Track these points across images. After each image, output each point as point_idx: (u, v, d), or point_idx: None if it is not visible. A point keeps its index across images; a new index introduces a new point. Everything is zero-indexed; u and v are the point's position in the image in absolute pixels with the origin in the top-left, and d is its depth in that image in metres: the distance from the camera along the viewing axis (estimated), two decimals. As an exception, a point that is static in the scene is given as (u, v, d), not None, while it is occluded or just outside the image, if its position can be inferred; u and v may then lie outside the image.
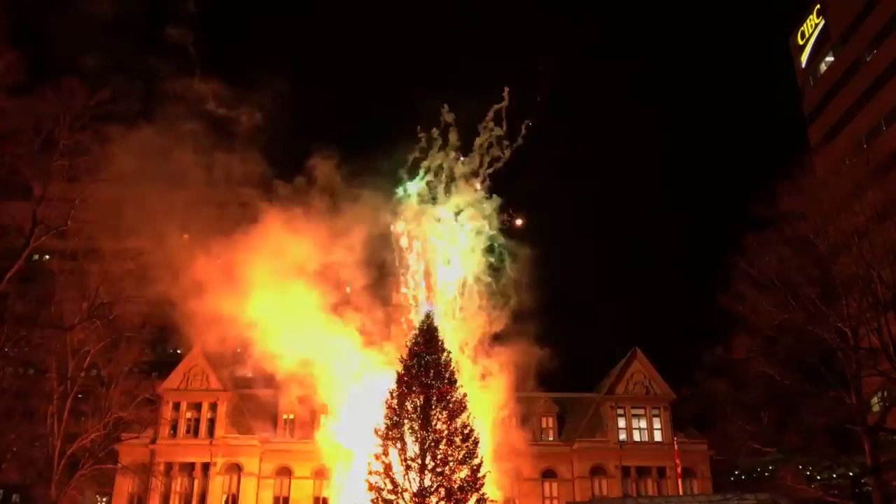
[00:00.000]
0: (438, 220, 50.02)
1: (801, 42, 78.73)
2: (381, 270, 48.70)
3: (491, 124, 51.68)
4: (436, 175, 50.94)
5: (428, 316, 36.89)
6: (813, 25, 76.54)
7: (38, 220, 31.97)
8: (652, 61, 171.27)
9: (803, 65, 78.11)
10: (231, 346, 49.72)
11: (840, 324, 35.27)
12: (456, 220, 50.31)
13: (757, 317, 36.91)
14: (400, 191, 50.49)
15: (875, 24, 65.49)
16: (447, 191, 50.76)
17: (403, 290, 48.06)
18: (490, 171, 51.55)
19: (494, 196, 51.34)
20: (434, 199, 50.59)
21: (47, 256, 47.24)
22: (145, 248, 36.98)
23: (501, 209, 50.98)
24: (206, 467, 51.29)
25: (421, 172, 50.90)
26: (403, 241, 49.46)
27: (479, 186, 51.08)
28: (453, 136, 51.21)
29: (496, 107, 51.77)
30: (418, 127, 51.56)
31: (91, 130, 31.90)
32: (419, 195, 50.73)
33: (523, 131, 52.43)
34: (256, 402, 54.62)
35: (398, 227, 49.86)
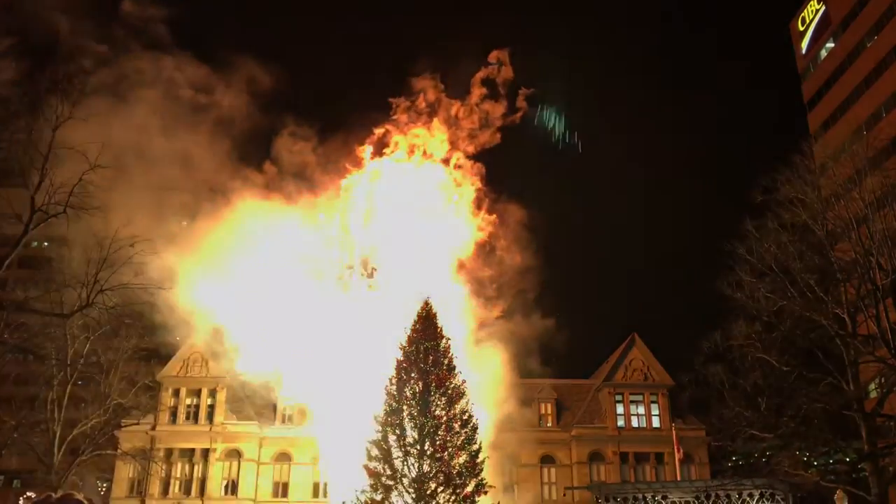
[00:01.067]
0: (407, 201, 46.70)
1: (801, 28, 78.35)
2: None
3: (480, 92, 47.89)
4: (411, 152, 47.65)
5: (426, 303, 36.79)
6: (813, 11, 76.16)
7: (35, 208, 31.90)
8: (650, 48, 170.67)
9: (803, 51, 77.76)
10: (230, 332, 49.71)
11: (838, 310, 35.35)
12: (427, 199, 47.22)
13: (755, 303, 37.00)
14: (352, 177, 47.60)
15: (876, 9, 65.17)
16: (420, 169, 47.51)
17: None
18: (476, 148, 48.27)
19: (480, 175, 48.23)
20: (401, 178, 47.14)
21: (46, 244, 47.22)
22: (144, 234, 36.86)
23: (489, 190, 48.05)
24: (205, 453, 51.49)
25: (390, 149, 47.65)
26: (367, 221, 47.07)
27: (461, 164, 47.77)
28: (440, 106, 47.60)
29: (485, 72, 47.78)
30: (391, 102, 47.55)
31: (87, 116, 31.74)
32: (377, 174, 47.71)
33: (522, 105, 49.53)
34: (256, 388, 54.73)
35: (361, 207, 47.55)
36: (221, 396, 52.71)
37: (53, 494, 3.26)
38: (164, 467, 50.29)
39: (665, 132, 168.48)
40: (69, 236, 33.46)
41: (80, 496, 3.41)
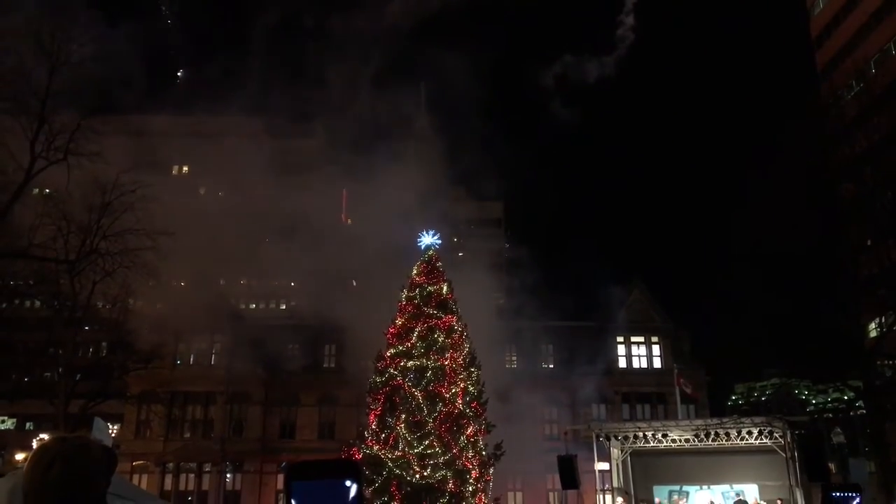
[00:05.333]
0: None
1: (810, -37, 76.37)
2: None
3: None
4: None
5: (428, 248, 36.75)
6: (824, -56, 74.05)
7: (35, 154, 31.80)
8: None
9: (813, -14, 75.90)
10: (236, 276, 49.98)
11: (840, 249, 35.35)
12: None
13: (756, 243, 37.01)
14: None
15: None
16: None
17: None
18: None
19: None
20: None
21: (47, 190, 47.12)
22: (146, 179, 36.70)
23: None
24: (212, 396, 52.26)
25: None
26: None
27: None
28: None
29: None
30: None
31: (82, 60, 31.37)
32: None
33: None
34: (262, 331, 55.25)
35: None
36: (228, 339, 53.20)
37: (68, 437, 3.29)
38: (171, 410, 51.15)
39: (669, 71, 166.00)
40: (70, 183, 33.38)
41: (92, 437, 3.44)
